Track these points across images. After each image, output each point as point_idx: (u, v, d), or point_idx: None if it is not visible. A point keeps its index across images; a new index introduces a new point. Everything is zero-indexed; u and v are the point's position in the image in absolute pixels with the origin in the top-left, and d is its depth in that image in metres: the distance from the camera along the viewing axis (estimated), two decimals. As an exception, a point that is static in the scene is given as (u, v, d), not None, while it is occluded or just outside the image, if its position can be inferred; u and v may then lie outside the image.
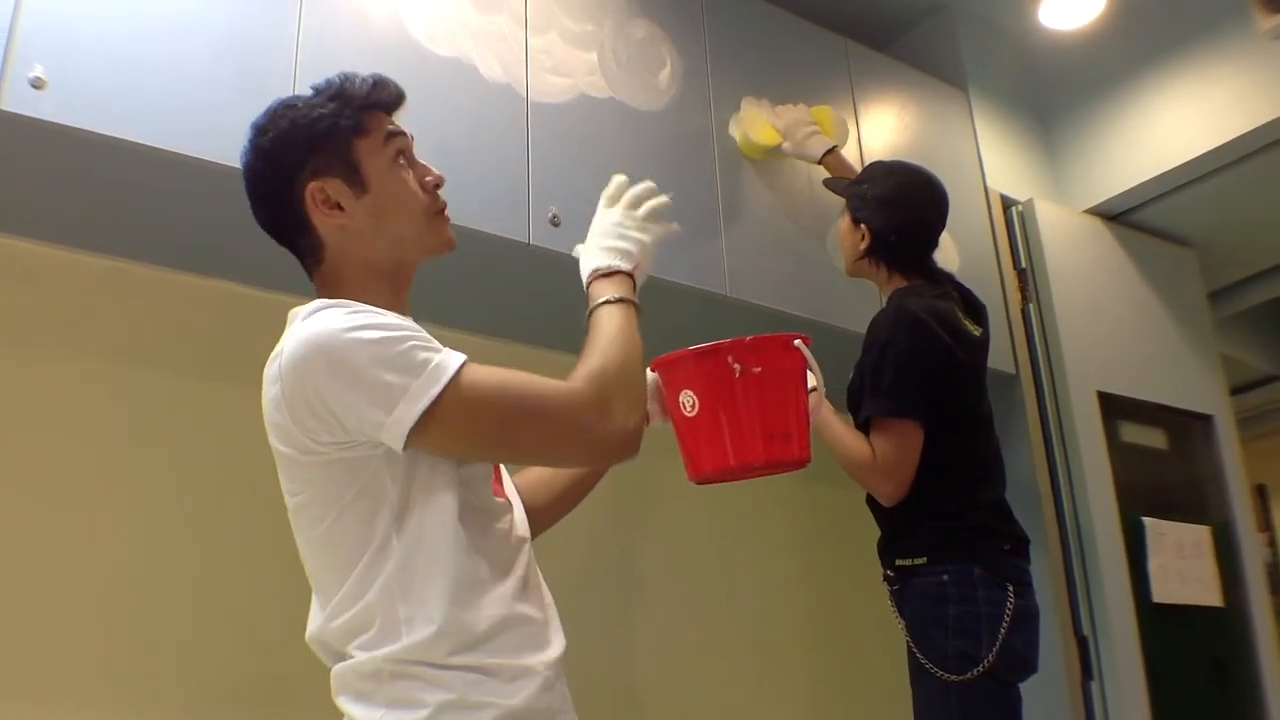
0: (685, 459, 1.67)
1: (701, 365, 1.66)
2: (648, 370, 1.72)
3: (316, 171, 1.46)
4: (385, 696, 1.30)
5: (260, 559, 2.27)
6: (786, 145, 2.92)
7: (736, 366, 1.64)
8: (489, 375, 1.35)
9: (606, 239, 1.59)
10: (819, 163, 2.86)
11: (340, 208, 1.46)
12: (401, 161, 1.51)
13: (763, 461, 1.63)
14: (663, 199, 1.65)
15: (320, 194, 1.45)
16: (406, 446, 1.30)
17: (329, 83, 1.50)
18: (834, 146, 2.86)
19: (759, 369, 1.63)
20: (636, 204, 1.63)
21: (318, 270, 1.50)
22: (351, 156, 1.47)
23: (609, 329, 1.47)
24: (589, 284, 1.56)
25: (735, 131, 2.95)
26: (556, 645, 1.43)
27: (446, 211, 1.55)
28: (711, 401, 1.63)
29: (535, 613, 1.43)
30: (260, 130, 1.49)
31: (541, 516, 1.70)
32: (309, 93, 1.51)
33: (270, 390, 1.37)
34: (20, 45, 1.87)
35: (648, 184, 1.65)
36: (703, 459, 1.65)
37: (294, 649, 1.44)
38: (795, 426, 1.67)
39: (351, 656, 1.33)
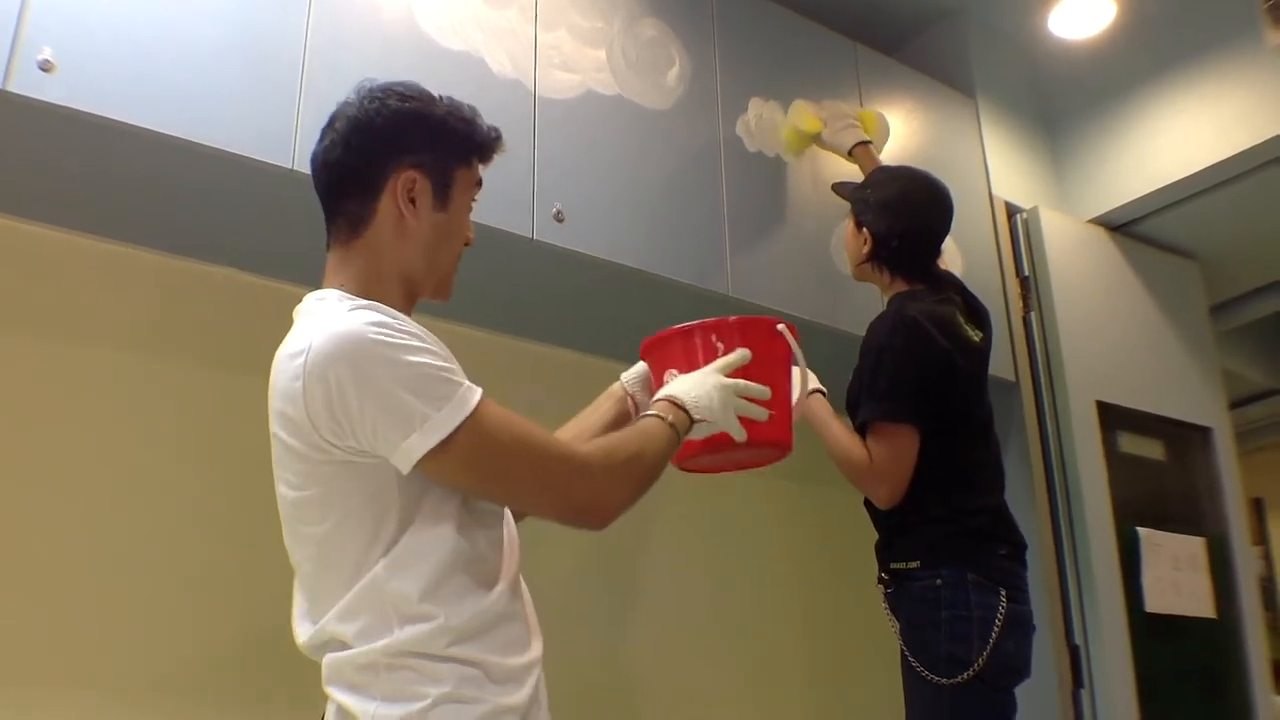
0: None
1: (685, 342, 1.70)
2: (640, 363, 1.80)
3: (420, 164, 1.50)
4: (380, 689, 1.31)
5: (266, 548, 2.27)
6: (825, 133, 2.97)
7: (720, 345, 1.68)
8: (503, 420, 1.37)
9: (709, 394, 1.61)
10: (849, 154, 2.88)
11: (414, 205, 1.50)
12: (470, 207, 1.59)
13: (745, 438, 1.64)
14: (762, 410, 1.66)
15: (410, 183, 1.50)
16: (412, 471, 1.32)
17: (463, 105, 1.57)
18: (866, 141, 2.88)
19: (743, 349, 1.67)
20: (742, 393, 1.65)
21: (350, 240, 1.50)
22: (450, 176, 1.54)
23: (649, 434, 1.52)
24: (663, 396, 1.61)
25: (783, 127, 3.04)
26: (537, 645, 1.46)
27: None
28: None
29: (524, 612, 1.46)
30: (397, 94, 1.52)
31: None
32: (445, 99, 1.56)
33: (287, 381, 1.35)
34: (29, 28, 1.88)
35: (762, 389, 1.66)
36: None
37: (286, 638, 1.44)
38: (778, 410, 1.69)
39: (349, 647, 1.34)
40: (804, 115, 3.01)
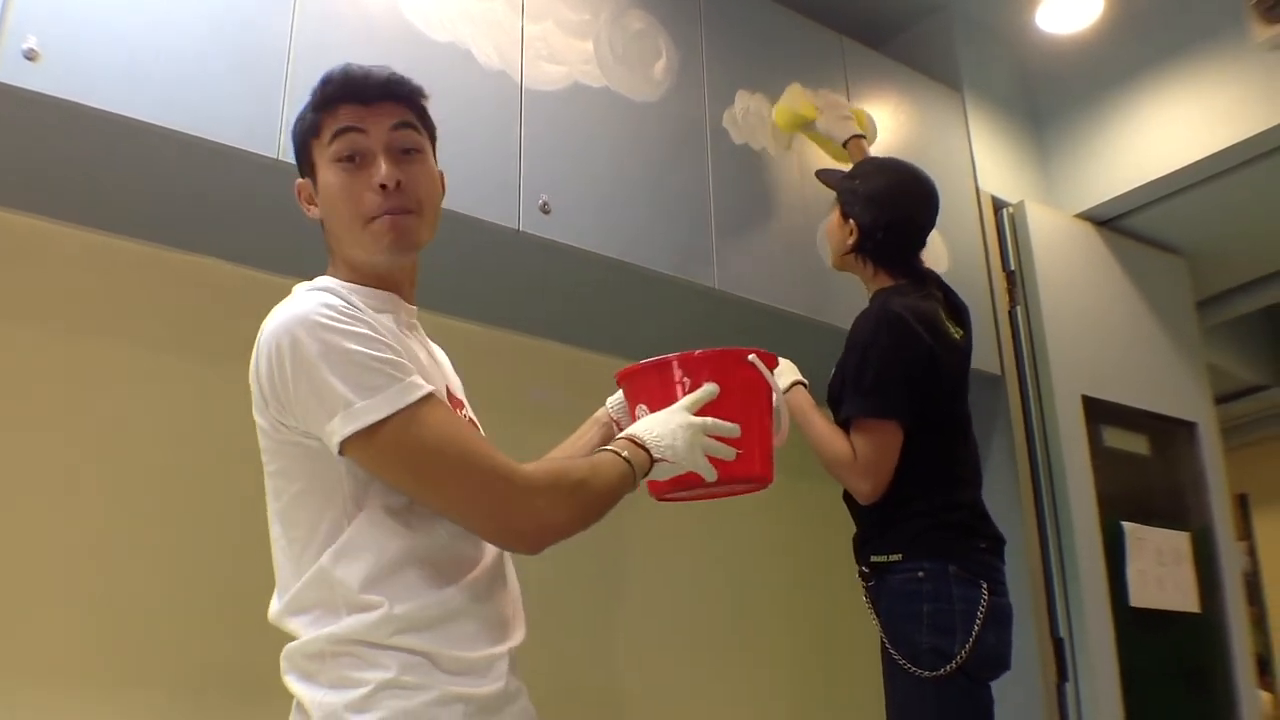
0: None
1: (652, 377, 1.64)
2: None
3: (306, 169, 1.54)
4: (326, 677, 1.32)
5: (254, 541, 2.27)
6: (820, 122, 2.97)
7: (686, 380, 1.61)
8: (442, 425, 1.34)
9: (674, 433, 1.53)
10: (844, 146, 2.90)
11: (311, 202, 1.54)
12: (344, 161, 1.47)
13: (719, 477, 1.56)
14: (730, 449, 1.59)
15: (302, 191, 1.55)
16: (341, 454, 1.32)
17: (323, 80, 1.53)
18: (861, 136, 2.89)
19: (711, 384, 1.60)
20: (710, 431, 1.56)
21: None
22: (311, 158, 1.52)
23: (599, 466, 1.46)
24: (625, 434, 1.54)
25: (776, 107, 3.05)
26: (513, 639, 1.45)
27: (400, 217, 1.47)
28: None
29: (499, 606, 1.45)
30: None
31: None
32: None
33: (253, 360, 1.39)
34: (14, 16, 1.87)
35: (731, 427, 1.58)
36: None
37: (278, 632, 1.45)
38: (757, 443, 1.63)
39: (299, 636, 1.35)
40: (799, 98, 3.01)
